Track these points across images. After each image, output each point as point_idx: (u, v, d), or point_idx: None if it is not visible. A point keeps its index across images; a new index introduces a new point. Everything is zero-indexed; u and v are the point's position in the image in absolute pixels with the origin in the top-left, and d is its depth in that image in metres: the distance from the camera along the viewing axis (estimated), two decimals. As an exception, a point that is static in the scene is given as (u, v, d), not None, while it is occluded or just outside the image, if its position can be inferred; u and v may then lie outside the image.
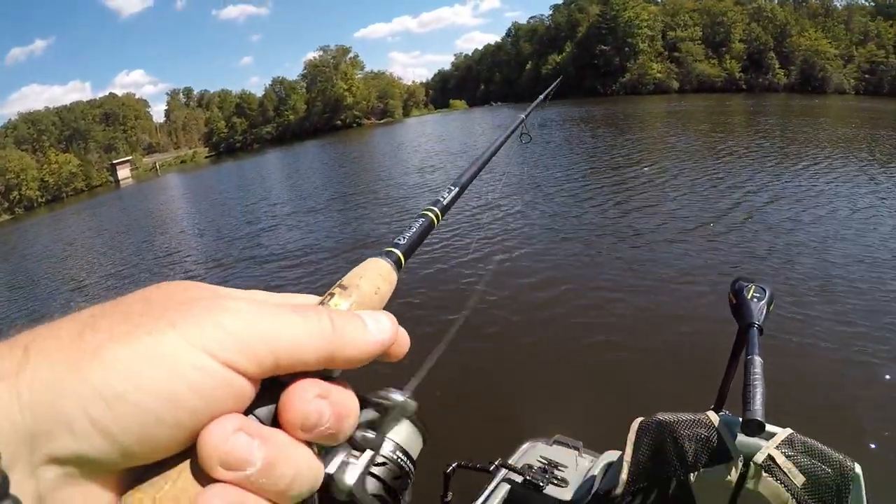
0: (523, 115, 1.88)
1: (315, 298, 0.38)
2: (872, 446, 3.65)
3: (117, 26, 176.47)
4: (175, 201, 28.35)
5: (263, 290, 0.35)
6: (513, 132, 1.57)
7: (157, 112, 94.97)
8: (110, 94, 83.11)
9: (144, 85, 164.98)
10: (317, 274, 9.08)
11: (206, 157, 74.56)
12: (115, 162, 68.02)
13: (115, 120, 76.49)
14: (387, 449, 0.37)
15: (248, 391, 0.29)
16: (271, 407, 0.30)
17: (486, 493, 2.08)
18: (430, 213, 0.59)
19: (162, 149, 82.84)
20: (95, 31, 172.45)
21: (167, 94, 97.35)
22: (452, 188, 0.73)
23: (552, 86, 3.60)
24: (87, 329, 0.27)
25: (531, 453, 2.29)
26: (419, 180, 17.34)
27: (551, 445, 2.36)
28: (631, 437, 1.39)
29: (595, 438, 2.40)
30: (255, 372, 0.28)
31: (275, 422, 0.30)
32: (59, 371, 0.25)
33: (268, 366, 0.29)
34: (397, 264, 0.45)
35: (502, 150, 1.22)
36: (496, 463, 2.00)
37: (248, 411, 0.29)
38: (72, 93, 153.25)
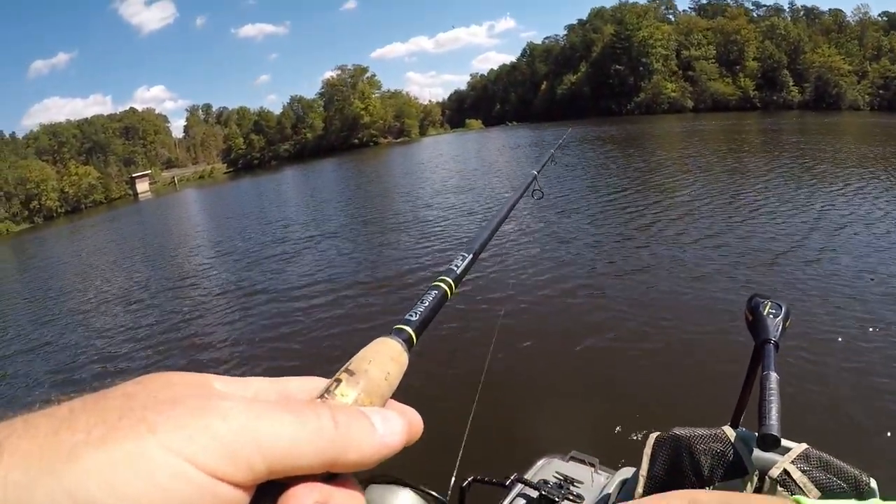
0: (535, 172, 1.80)
1: (319, 382, 0.36)
2: (888, 461, 3.62)
3: (139, 42, 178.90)
4: (192, 219, 28.50)
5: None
6: (525, 191, 1.53)
7: (177, 127, 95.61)
8: (130, 108, 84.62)
9: (165, 100, 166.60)
10: (335, 309, 8.52)
11: (225, 173, 75.46)
12: (134, 175, 69.01)
13: (134, 134, 77.64)
14: None
15: (238, 499, 0.27)
16: None
17: None
18: (443, 285, 0.56)
19: (180, 164, 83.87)
20: (117, 46, 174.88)
21: (186, 109, 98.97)
22: (465, 255, 0.68)
23: (563, 138, 3.79)
24: (64, 427, 0.25)
25: (547, 469, 2.29)
26: (441, 202, 17.08)
27: (567, 461, 2.36)
28: (647, 451, 1.40)
29: (611, 455, 2.40)
30: (245, 480, 0.27)
31: None
32: (33, 473, 0.23)
33: (260, 473, 0.27)
34: (408, 343, 0.42)
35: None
36: (512, 478, 2.02)
37: None
38: (93, 106, 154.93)
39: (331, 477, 0.30)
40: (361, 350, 0.38)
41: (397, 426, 0.32)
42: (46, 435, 0.25)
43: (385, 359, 0.38)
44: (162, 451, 0.25)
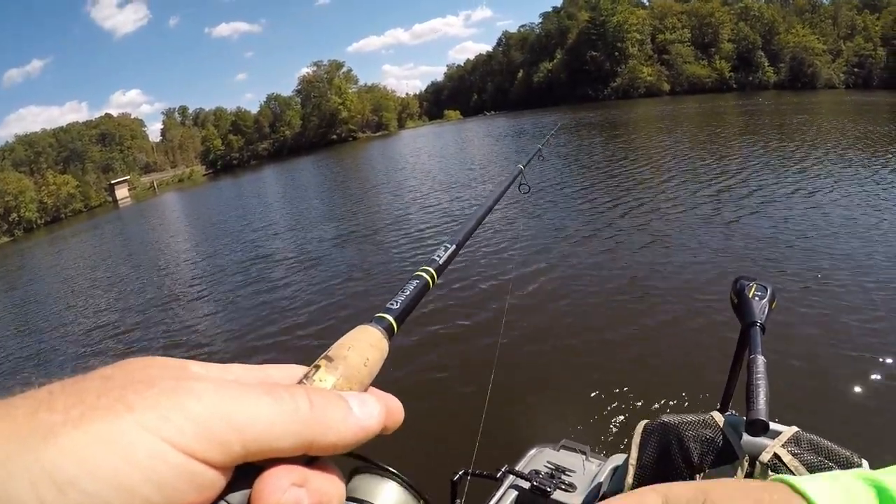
0: (521, 166, 1.78)
1: (299, 370, 0.35)
2: (880, 441, 3.60)
3: (113, 46, 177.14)
4: (173, 225, 27.76)
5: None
6: (510, 185, 1.51)
7: (154, 131, 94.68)
8: (106, 114, 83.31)
9: (141, 104, 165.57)
10: (321, 304, 8.64)
11: (204, 175, 74.76)
12: (113, 182, 68.03)
13: (111, 140, 76.55)
14: None
15: (215, 480, 0.27)
16: (246, 492, 0.28)
17: (494, 500, 2.08)
18: (424, 275, 0.56)
19: (159, 168, 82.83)
20: (91, 52, 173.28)
21: (163, 113, 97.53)
22: (449, 246, 0.68)
23: (550, 134, 3.73)
24: (42, 408, 0.25)
25: (538, 459, 2.28)
26: (421, 203, 16.55)
27: (558, 451, 2.35)
28: (636, 439, 1.38)
29: (602, 442, 2.39)
30: (221, 461, 0.26)
31: None
32: (12, 452, 0.23)
33: (236, 454, 0.27)
34: (389, 331, 0.42)
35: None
36: (503, 469, 2.00)
37: (220, 497, 0.27)
38: (69, 114, 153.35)
39: (310, 461, 0.30)
40: (341, 337, 0.38)
41: (374, 409, 0.32)
42: (25, 415, 0.25)
43: (364, 345, 0.38)
44: (139, 429, 0.25)
